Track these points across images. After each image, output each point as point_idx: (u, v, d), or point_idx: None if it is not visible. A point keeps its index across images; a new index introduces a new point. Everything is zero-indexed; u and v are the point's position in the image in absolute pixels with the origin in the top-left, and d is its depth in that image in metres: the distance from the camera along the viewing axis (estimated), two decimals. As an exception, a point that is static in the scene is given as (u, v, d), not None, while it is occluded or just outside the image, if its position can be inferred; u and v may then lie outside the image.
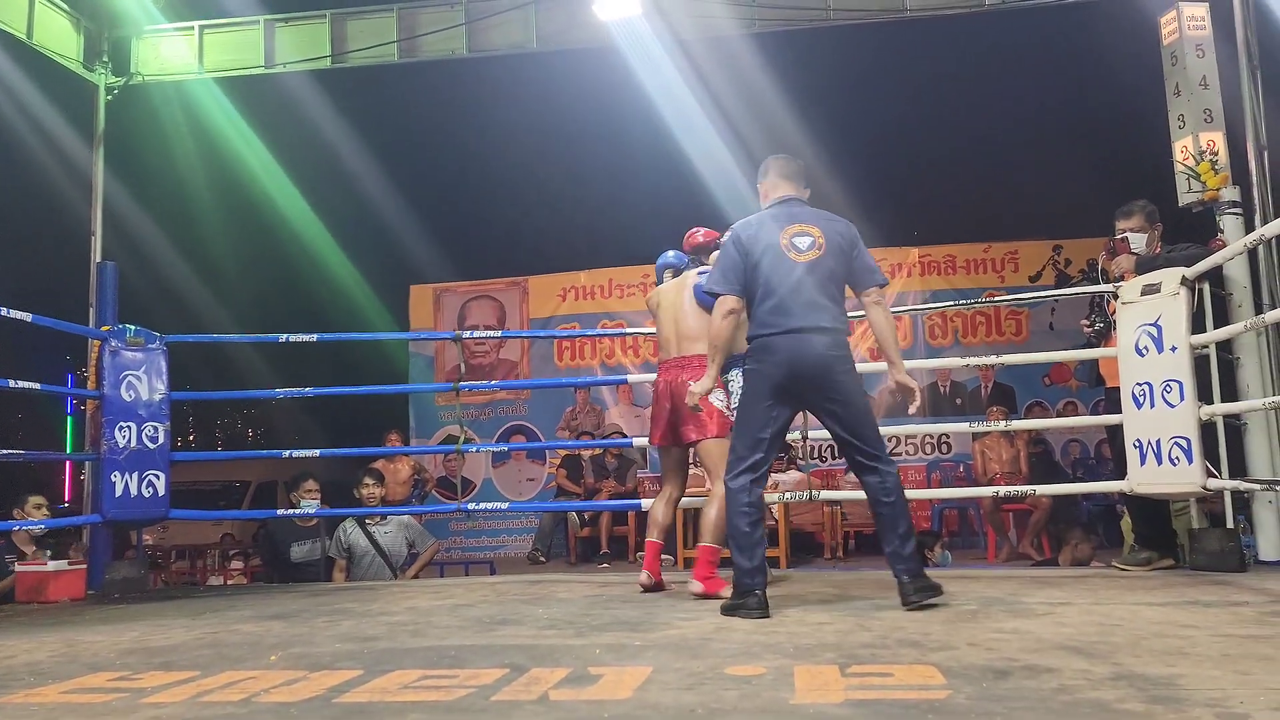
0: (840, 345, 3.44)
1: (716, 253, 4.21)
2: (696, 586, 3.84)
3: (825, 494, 6.14)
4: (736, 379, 4.18)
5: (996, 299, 7.12)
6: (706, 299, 3.84)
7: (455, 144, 18.54)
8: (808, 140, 13.32)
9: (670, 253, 4.56)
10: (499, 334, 10.71)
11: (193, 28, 7.25)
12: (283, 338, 5.70)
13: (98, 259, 6.59)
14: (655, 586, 4.14)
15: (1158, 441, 4.26)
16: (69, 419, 19.66)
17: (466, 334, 5.97)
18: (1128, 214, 4.85)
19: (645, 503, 6.12)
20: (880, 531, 3.44)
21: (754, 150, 12.89)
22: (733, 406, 4.01)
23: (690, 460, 4.50)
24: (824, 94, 14.76)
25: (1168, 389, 4.21)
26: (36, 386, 5.12)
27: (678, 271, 4.47)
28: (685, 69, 8.32)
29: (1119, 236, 4.87)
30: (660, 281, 4.51)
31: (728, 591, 3.47)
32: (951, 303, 7.44)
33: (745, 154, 12.76)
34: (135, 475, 5.16)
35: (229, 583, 7.71)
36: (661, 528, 4.26)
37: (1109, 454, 9.15)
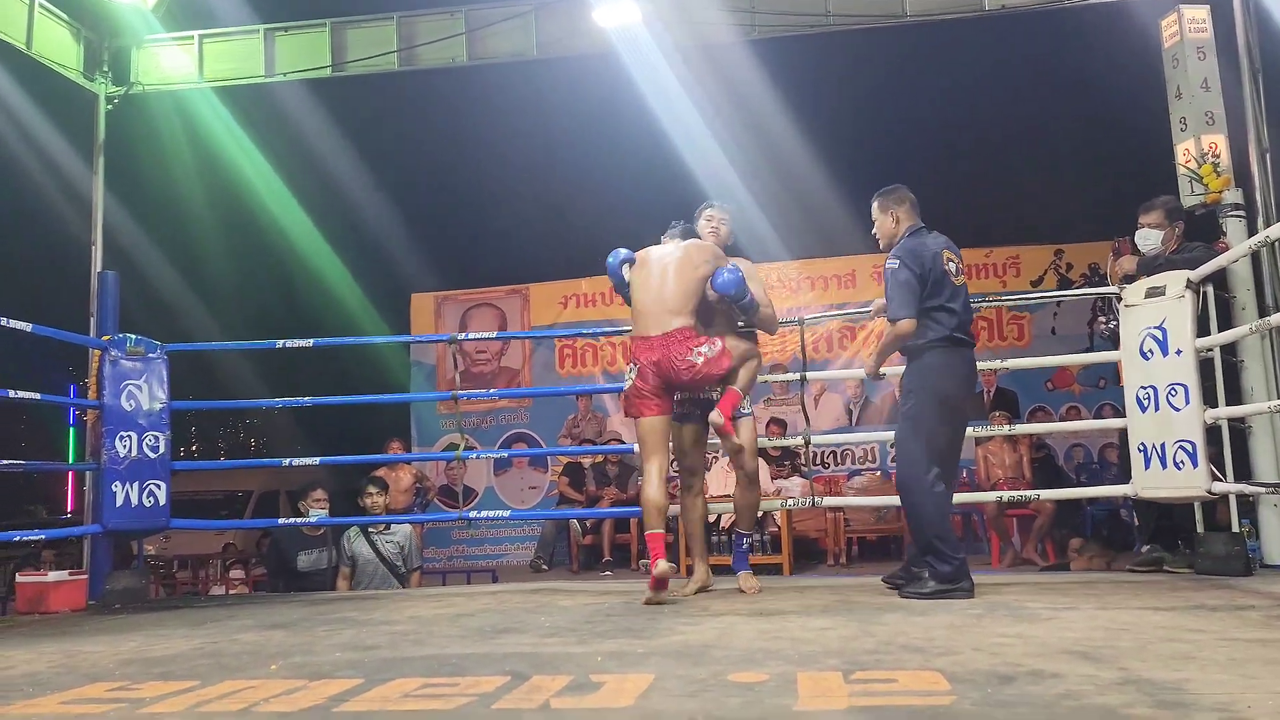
0: None
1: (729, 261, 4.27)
2: (718, 417, 3.92)
3: (828, 500, 6.12)
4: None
5: (1001, 299, 7.07)
6: (729, 290, 4.06)
7: (455, 152, 18.57)
8: (807, 146, 13.35)
9: (620, 252, 4.37)
10: (494, 335, 10.68)
11: (192, 37, 7.24)
12: (279, 343, 5.69)
13: (98, 269, 6.58)
14: (666, 582, 3.84)
15: (1162, 445, 4.24)
16: (71, 429, 19.69)
17: (462, 336, 5.95)
18: (1148, 209, 4.84)
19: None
20: None
21: (753, 155, 12.94)
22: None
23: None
24: (823, 99, 14.79)
25: (1173, 392, 4.19)
26: (36, 397, 5.10)
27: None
28: (685, 75, 8.31)
29: (1130, 235, 4.86)
30: (618, 277, 4.33)
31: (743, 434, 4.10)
32: None
33: (744, 159, 12.79)
34: (136, 485, 5.14)
35: (231, 592, 7.69)
36: (661, 511, 3.98)
37: (1113, 458, 9.15)
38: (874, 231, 4.19)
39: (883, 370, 4.35)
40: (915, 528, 3.97)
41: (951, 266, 3.95)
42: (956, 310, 3.91)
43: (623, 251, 4.34)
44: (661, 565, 3.81)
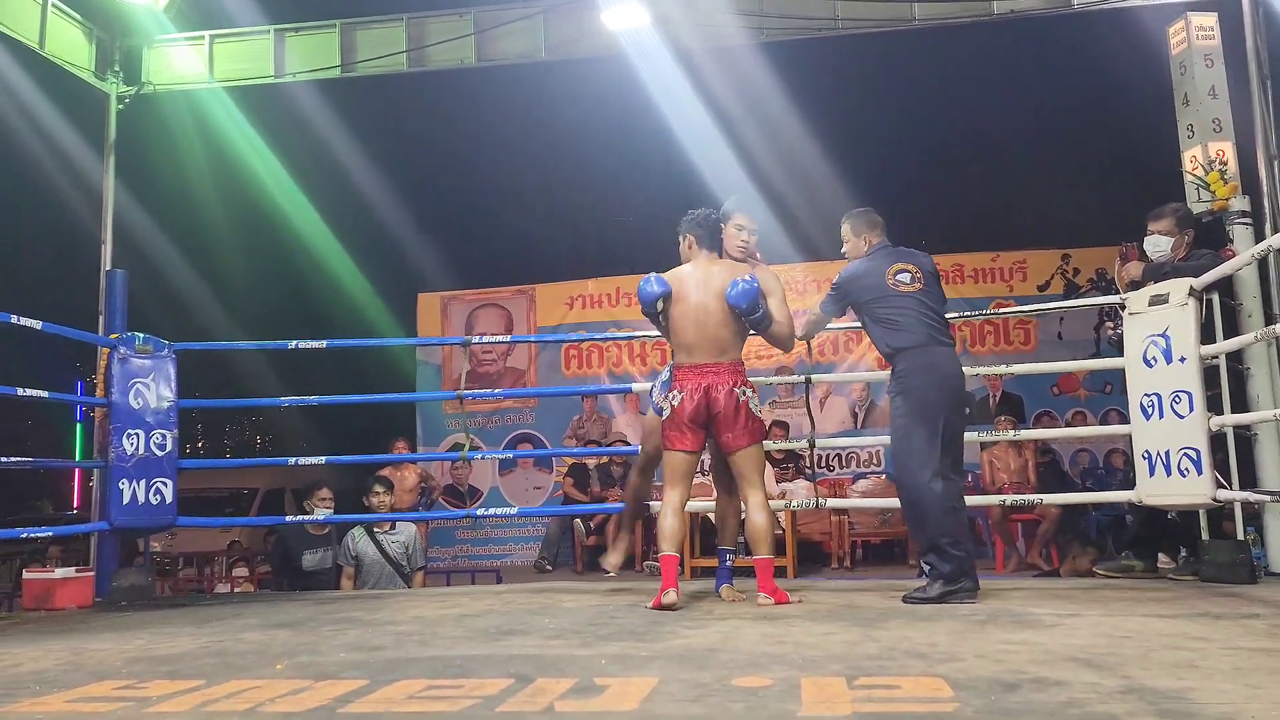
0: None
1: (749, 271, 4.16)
2: (767, 600, 3.79)
3: (833, 503, 6.12)
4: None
5: (1004, 310, 7.05)
6: (740, 303, 3.96)
7: (463, 153, 18.59)
8: (815, 149, 13.35)
9: (654, 281, 4.09)
10: (508, 339, 10.71)
11: (203, 37, 7.27)
12: (291, 344, 5.71)
13: (107, 267, 6.61)
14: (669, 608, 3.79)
15: (1167, 452, 4.23)
16: (78, 426, 19.76)
17: (476, 339, 5.96)
18: (1158, 216, 4.82)
19: (652, 506, 6.09)
20: None
21: (762, 158, 12.94)
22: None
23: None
24: (831, 103, 14.78)
25: (1176, 399, 4.19)
26: (45, 395, 5.12)
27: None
28: (693, 78, 8.33)
29: (1137, 241, 4.87)
30: (652, 309, 4.11)
31: (795, 599, 3.87)
32: (958, 314, 7.30)
33: (752, 162, 12.79)
34: (143, 482, 5.16)
35: (236, 590, 7.71)
36: (679, 538, 3.99)
37: (1118, 464, 9.14)
38: (844, 250, 4.31)
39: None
40: (915, 528, 4.00)
41: (905, 277, 4.10)
42: (905, 320, 4.02)
43: (656, 283, 4.07)
44: (670, 596, 3.76)
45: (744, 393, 3.97)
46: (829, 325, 4.58)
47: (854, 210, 4.34)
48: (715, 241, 4.18)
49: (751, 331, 4.13)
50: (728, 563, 4.23)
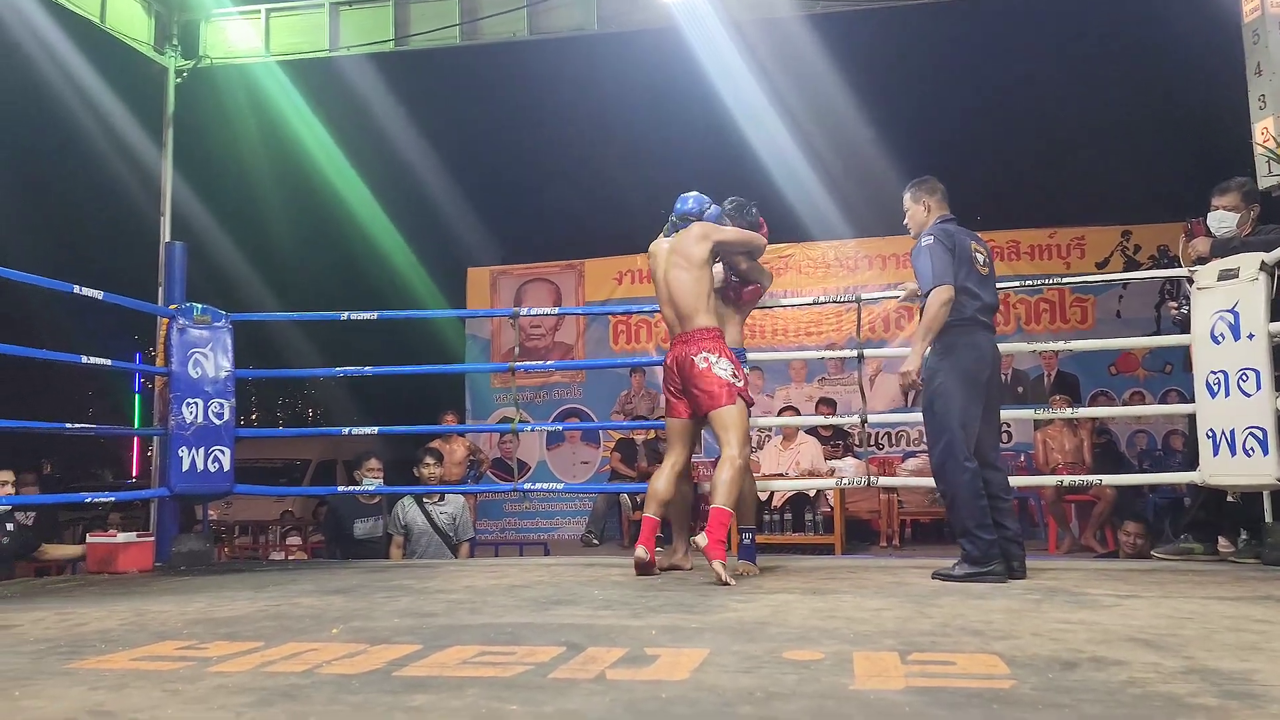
0: None
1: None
2: (703, 540, 3.87)
3: (882, 481, 6.06)
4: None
5: (1067, 280, 6.85)
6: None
7: (515, 126, 18.59)
8: (870, 123, 13.16)
9: (691, 198, 4.42)
10: (556, 310, 10.72)
11: (259, 11, 7.34)
12: (344, 315, 5.80)
13: (167, 239, 6.73)
14: (648, 566, 4.13)
15: (1232, 431, 4.13)
16: (137, 396, 20.21)
17: (524, 311, 6.00)
18: (1224, 190, 4.70)
19: (701, 486, 6.11)
20: None
21: (814, 133, 12.78)
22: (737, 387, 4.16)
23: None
24: (887, 77, 14.53)
25: (1244, 377, 4.08)
26: (107, 363, 5.24)
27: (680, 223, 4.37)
28: (746, 51, 8.23)
29: (1202, 216, 4.74)
30: (676, 228, 4.40)
31: (725, 564, 3.86)
32: (1018, 283, 6.96)
33: (804, 137, 12.63)
34: (202, 450, 5.28)
35: (290, 558, 7.86)
36: (662, 502, 4.20)
37: (1177, 445, 8.94)
38: (905, 221, 4.27)
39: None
40: (950, 508, 4.00)
41: (979, 257, 4.04)
42: (982, 296, 3.99)
43: (694, 201, 4.40)
44: (638, 552, 4.10)
45: (704, 357, 4.09)
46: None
47: (915, 180, 4.26)
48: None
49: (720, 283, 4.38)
50: (747, 541, 4.42)
